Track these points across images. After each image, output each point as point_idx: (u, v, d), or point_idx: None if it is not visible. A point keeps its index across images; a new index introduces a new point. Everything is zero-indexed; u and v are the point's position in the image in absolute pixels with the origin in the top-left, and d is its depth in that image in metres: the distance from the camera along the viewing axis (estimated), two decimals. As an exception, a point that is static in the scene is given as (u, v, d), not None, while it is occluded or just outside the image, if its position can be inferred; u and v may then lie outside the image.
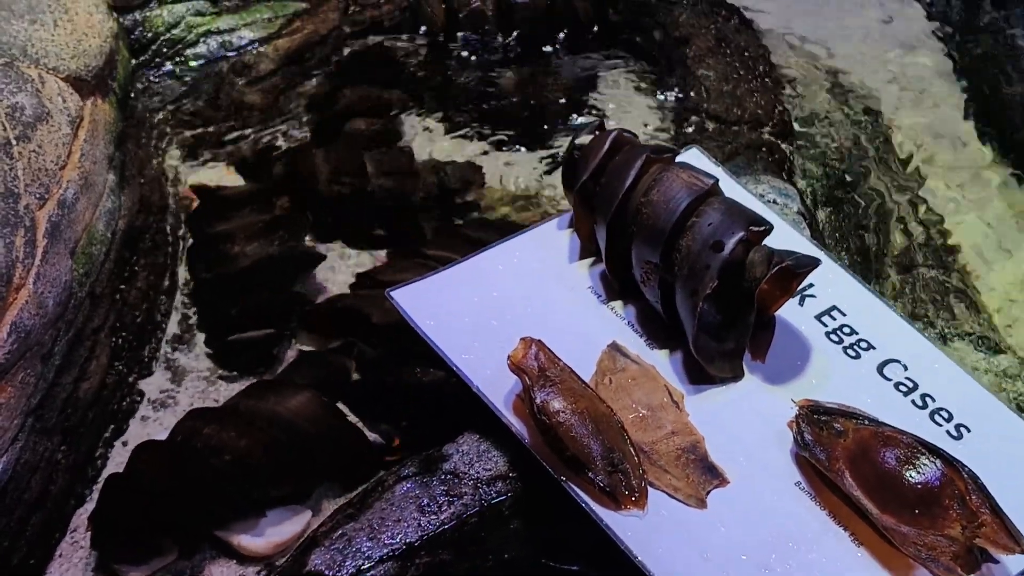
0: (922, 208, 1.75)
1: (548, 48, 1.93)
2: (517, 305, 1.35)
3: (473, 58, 1.89)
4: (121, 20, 1.79)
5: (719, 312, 1.26)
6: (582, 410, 1.19)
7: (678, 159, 1.38)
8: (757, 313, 1.27)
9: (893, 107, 1.90)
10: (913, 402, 1.26)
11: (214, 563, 1.34)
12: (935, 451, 1.16)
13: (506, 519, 1.22)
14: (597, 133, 1.43)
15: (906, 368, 1.29)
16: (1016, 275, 1.69)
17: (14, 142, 1.44)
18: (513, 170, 1.77)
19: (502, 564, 1.23)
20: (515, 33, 1.89)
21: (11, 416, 1.31)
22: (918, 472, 1.14)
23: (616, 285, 1.37)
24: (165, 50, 1.86)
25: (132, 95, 1.77)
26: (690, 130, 1.70)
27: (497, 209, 1.70)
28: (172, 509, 1.33)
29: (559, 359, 1.23)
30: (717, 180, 1.33)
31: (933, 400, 1.26)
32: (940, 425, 1.23)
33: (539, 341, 1.23)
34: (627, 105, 1.82)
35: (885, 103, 1.90)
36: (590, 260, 1.41)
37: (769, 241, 1.26)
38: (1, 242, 1.33)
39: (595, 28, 1.91)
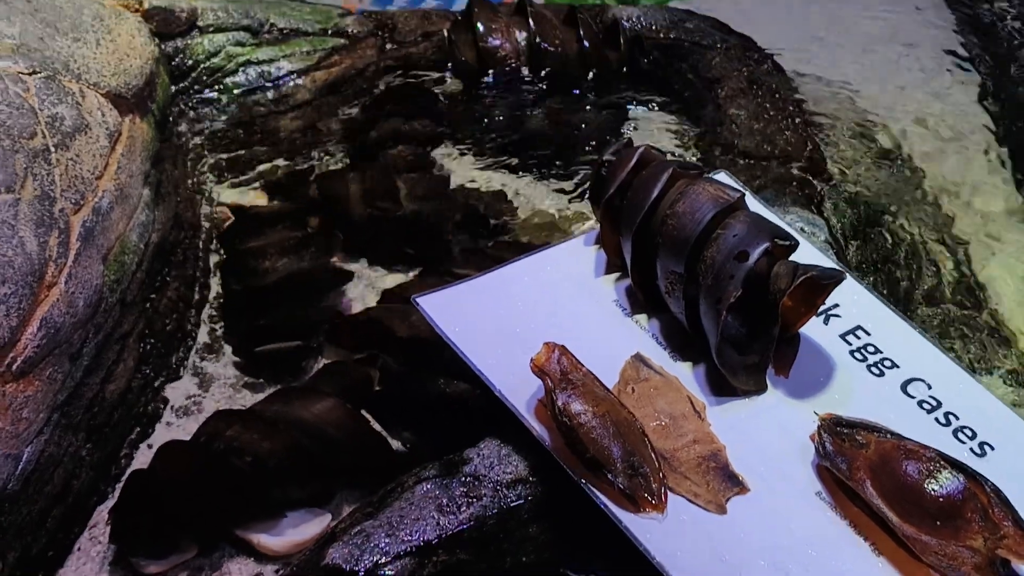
0: (952, 247, 1.74)
1: (577, 89, 1.92)
2: (542, 315, 1.35)
3: (503, 95, 1.89)
4: (163, 46, 1.81)
5: (743, 324, 1.26)
6: (603, 413, 1.18)
7: (707, 177, 1.39)
8: (781, 330, 1.26)
9: (922, 149, 1.89)
10: (936, 420, 1.24)
11: (232, 560, 1.33)
12: (958, 465, 1.14)
13: (525, 522, 1.21)
14: (624, 149, 1.43)
15: (930, 387, 1.27)
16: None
17: (53, 149, 1.46)
18: (540, 198, 1.78)
19: (519, 567, 1.22)
20: (544, 72, 1.88)
21: (37, 409, 1.31)
22: (940, 484, 1.13)
23: (641, 297, 1.36)
24: (205, 77, 1.87)
25: (171, 118, 1.78)
26: (720, 164, 1.70)
27: (524, 234, 1.70)
28: (193, 506, 1.32)
29: (582, 364, 1.23)
30: (744, 194, 1.33)
31: (957, 418, 1.24)
32: (964, 443, 1.22)
33: (562, 346, 1.23)
34: (657, 140, 1.83)
35: (915, 145, 1.89)
36: (616, 275, 1.41)
37: (795, 260, 1.26)
38: (36, 241, 1.34)
39: (625, 70, 1.91)
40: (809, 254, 1.37)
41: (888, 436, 1.18)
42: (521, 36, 1.87)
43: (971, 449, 1.21)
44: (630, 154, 1.40)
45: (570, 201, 1.76)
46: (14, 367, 1.28)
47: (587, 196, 1.49)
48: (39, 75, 1.53)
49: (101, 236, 1.47)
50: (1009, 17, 2.27)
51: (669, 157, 1.43)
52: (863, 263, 1.64)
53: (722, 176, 1.47)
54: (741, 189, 1.38)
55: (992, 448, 1.22)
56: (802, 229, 1.49)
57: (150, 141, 1.68)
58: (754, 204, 1.39)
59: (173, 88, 1.84)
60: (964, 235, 1.77)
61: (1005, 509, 1.10)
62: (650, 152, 1.40)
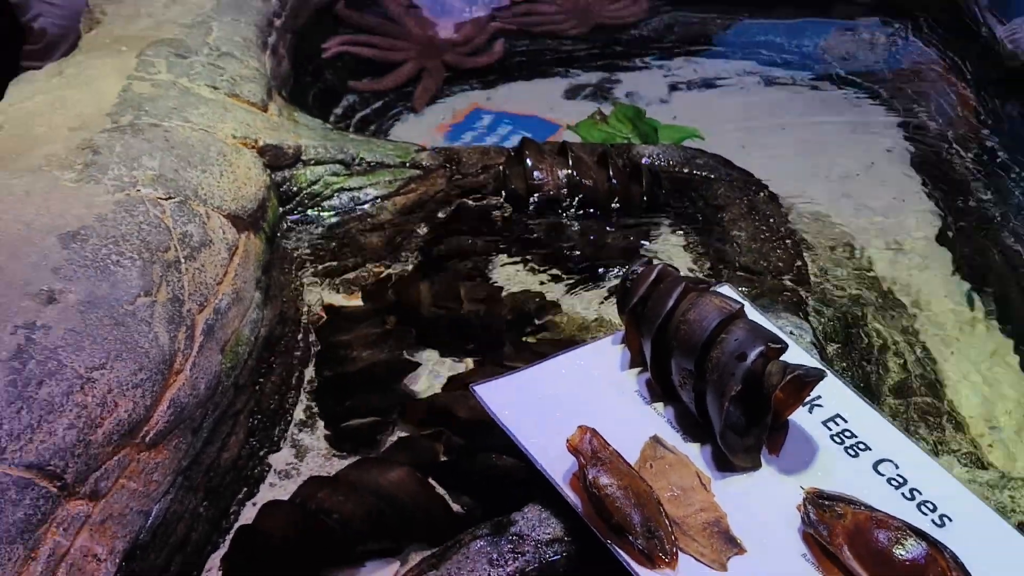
0: (917, 348, 1.73)
1: (606, 215, 1.93)
2: (577, 402, 1.34)
3: (546, 218, 1.90)
4: (273, 176, 1.83)
5: (742, 413, 1.25)
6: (626, 486, 1.18)
7: (713, 289, 1.40)
8: (773, 418, 1.26)
9: (890, 263, 1.90)
10: (903, 495, 1.23)
11: (320, 603, 1.34)
12: (921, 534, 1.14)
13: (559, 574, 1.21)
14: (646, 267, 1.44)
15: (897, 467, 1.26)
16: (997, 406, 1.68)
17: (183, 260, 1.48)
18: (576, 303, 1.78)
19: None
20: (579, 200, 1.90)
21: (165, 473, 1.33)
22: (906, 550, 1.12)
23: (658, 389, 1.36)
24: (306, 201, 1.89)
25: (278, 234, 1.81)
26: (724, 277, 1.70)
27: (563, 331, 1.70)
28: (289, 556, 1.33)
29: (609, 444, 1.23)
30: (743, 305, 1.33)
31: (920, 494, 1.23)
32: (926, 515, 1.20)
33: (593, 429, 1.23)
34: (672, 256, 1.83)
35: (883, 260, 1.90)
36: (638, 369, 1.41)
37: (786, 360, 1.27)
38: (167, 335, 1.37)
39: (645, 198, 1.93)
40: (797, 354, 1.36)
41: (862, 508, 1.18)
42: (562, 173, 1.89)
43: (932, 520, 1.20)
44: (650, 271, 1.41)
45: (600, 305, 1.77)
46: (147, 439, 1.30)
47: (615, 304, 1.49)
48: (174, 200, 1.56)
49: (220, 331, 1.49)
50: (960, 155, 2.28)
51: (683, 273, 1.43)
52: (842, 361, 1.63)
53: (725, 288, 1.47)
54: (741, 300, 1.38)
55: (950, 520, 1.20)
56: (791, 332, 1.49)
57: (261, 253, 1.70)
58: (752, 312, 1.39)
59: (281, 209, 1.85)
60: (925, 338, 1.76)
61: (960, 571, 1.09)
62: (666, 269, 1.41)
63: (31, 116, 1.75)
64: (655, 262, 1.44)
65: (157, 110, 1.76)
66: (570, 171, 1.90)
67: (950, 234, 2.05)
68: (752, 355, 1.24)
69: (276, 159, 1.84)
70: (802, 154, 2.25)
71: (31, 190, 1.52)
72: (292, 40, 2.39)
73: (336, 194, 1.92)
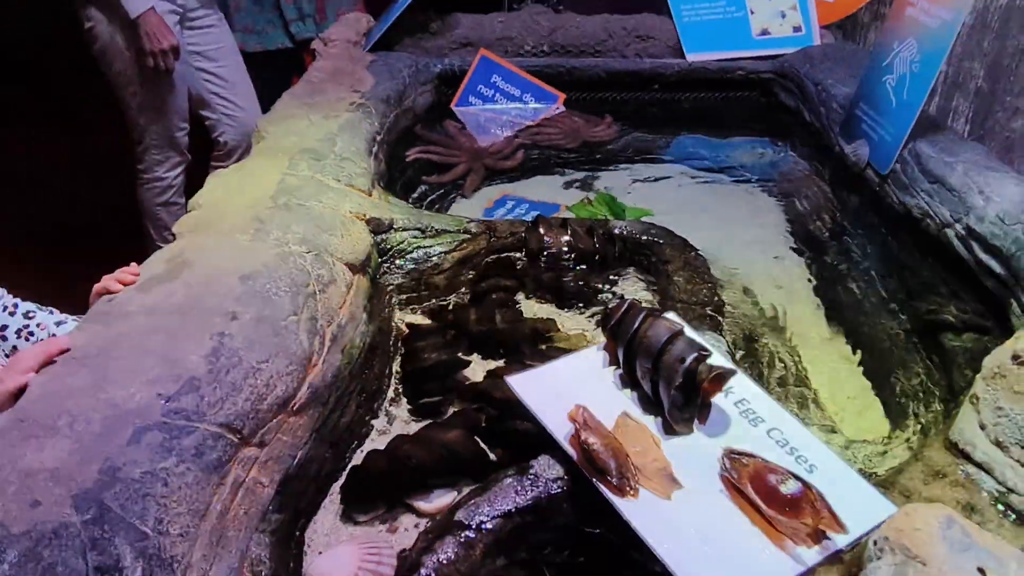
0: (792, 355, 1.74)
1: (593, 266, 1.94)
2: (574, 388, 1.35)
3: (552, 268, 1.91)
4: (375, 237, 1.83)
5: (682, 397, 1.27)
6: (606, 444, 1.19)
7: (663, 316, 1.41)
8: (702, 399, 1.28)
9: (775, 299, 1.90)
10: (786, 452, 1.23)
11: (404, 516, 1.35)
12: (798, 477, 1.14)
13: (561, 500, 1.22)
14: (620, 301, 1.45)
15: (782, 433, 1.26)
16: (843, 393, 1.68)
17: (317, 292, 1.50)
18: (573, 323, 1.79)
19: (556, 528, 1.23)
20: (574, 256, 1.91)
21: (305, 431, 1.34)
22: (788, 487, 1.13)
23: (628, 380, 1.37)
24: (396, 254, 1.89)
25: (377, 275, 1.81)
26: (669, 307, 1.71)
27: (565, 344, 1.71)
28: (383, 485, 1.34)
29: (595, 416, 1.24)
30: (683, 326, 1.35)
31: (797, 451, 1.23)
32: (800, 465, 1.20)
33: (585, 407, 1.25)
34: (635, 293, 1.84)
35: (770, 297, 1.90)
36: (614, 367, 1.42)
37: (711, 363, 1.28)
38: (307, 341, 1.38)
39: (617, 255, 1.93)
40: (717, 358, 1.37)
41: (760, 459, 1.19)
42: (563, 239, 1.89)
43: (804, 468, 1.20)
44: (622, 304, 1.42)
45: (589, 326, 1.78)
46: (294, 408, 1.31)
47: (600, 324, 1.50)
48: (312, 253, 1.58)
49: (340, 339, 1.50)
50: (821, 229, 2.29)
51: (644, 305, 1.44)
52: (745, 362, 1.64)
53: (671, 315, 1.48)
54: (681, 323, 1.39)
55: (816, 468, 1.20)
56: (713, 344, 1.50)
57: (367, 288, 1.70)
58: (688, 331, 1.40)
59: (379, 259, 1.85)
60: (798, 347, 1.76)
61: (823, 502, 1.10)
62: (634, 303, 1.42)
63: (221, 199, 1.78)
64: (626, 298, 1.45)
65: (302, 195, 1.79)
66: (568, 237, 1.91)
67: (813, 280, 2.05)
68: (689, 359, 1.25)
69: (377, 227, 1.85)
70: (718, 227, 2.25)
71: (221, 247, 1.55)
72: (387, 149, 2.42)
73: (415, 250, 1.91)
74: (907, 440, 1.53)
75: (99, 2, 3.07)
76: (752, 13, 3.05)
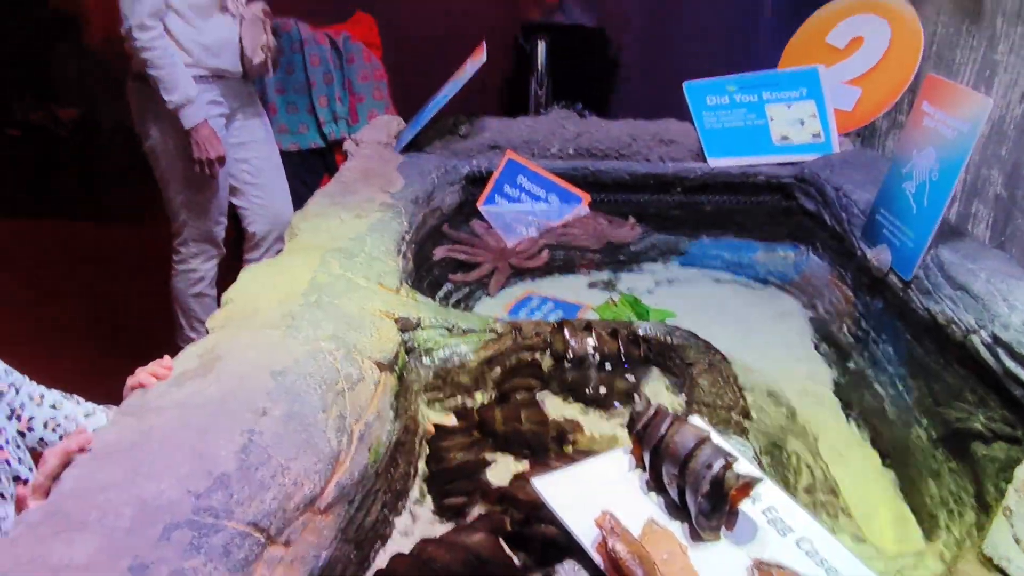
0: (819, 460, 1.71)
1: (617, 367, 1.94)
2: (600, 492, 1.35)
3: (576, 369, 1.92)
4: (402, 335, 1.84)
5: (709, 504, 1.26)
6: (633, 551, 1.18)
7: (689, 420, 1.41)
8: (729, 506, 1.27)
9: (800, 403, 1.88)
10: (815, 562, 1.21)
11: (428, 622, 1.32)
12: (829, 590, 1.13)
13: (588, 609, 1.20)
14: (647, 405, 1.46)
15: (812, 543, 1.25)
16: (875, 499, 1.65)
17: (346, 391, 1.51)
18: (598, 425, 1.78)
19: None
20: (599, 357, 1.91)
21: (330, 530, 1.33)
22: (820, 601, 1.12)
23: (654, 485, 1.37)
24: (423, 352, 1.90)
25: (404, 373, 1.81)
26: (694, 411, 1.70)
27: (589, 445, 1.70)
28: (408, 590, 1.33)
29: (621, 522, 1.23)
30: (710, 432, 1.35)
31: (826, 561, 1.22)
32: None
33: (611, 513, 1.24)
34: (659, 395, 1.84)
35: (795, 401, 1.88)
36: (640, 471, 1.41)
37: (737, 469, 1.27)
38: (335, 439, 1.39)
39: (641, 357, 1.94)
40: (745, 465, 1.36)
41: (789, 572, 1.17)
42: (589, 342, 1.90)
43: (836, 581, 1.19)
44: (649, 408, 1.43)
45: (614, 428, 1.77)
46: (321, 507, 1.31)
47: (625, 427, 1.50)
48: (341, 351, 1.60)
49: (368, 437, 1.50)
50: (844, 333, 2.29)
51: (670, 410, 1.44)
52: (772, 469, 1.62)
53: (696, 419, 1.48)
54: (708, 428, 1.39)
55: (848, 581, 1.19)
56: (740, 449, 1.50)
57: (394, 386, 1.70)
58: (714, 436, 1.40)
59: (406, 357, 1.85)
60: (824, 453, 1.74)
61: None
62: (661, 408, 1.43)
63: (254, 295, 1.82)
64: (651, 402, 1.45)
65: (332, 292, 1.83)
66: (593, 340, 1.93)
67: (838, 384, 2.05)
68: (716, 466, 1.25)
69: (405, 325, 1.87)
70: (741, 329, 2.25)
71: (253, 343, 1.57)
72: (415, 248, 2.46)
73: (442, 348, 1.93)
74: (939, 553, 1.49)
75: (154, 107, 3.23)
76: (772, 120, 3.12)
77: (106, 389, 1.78)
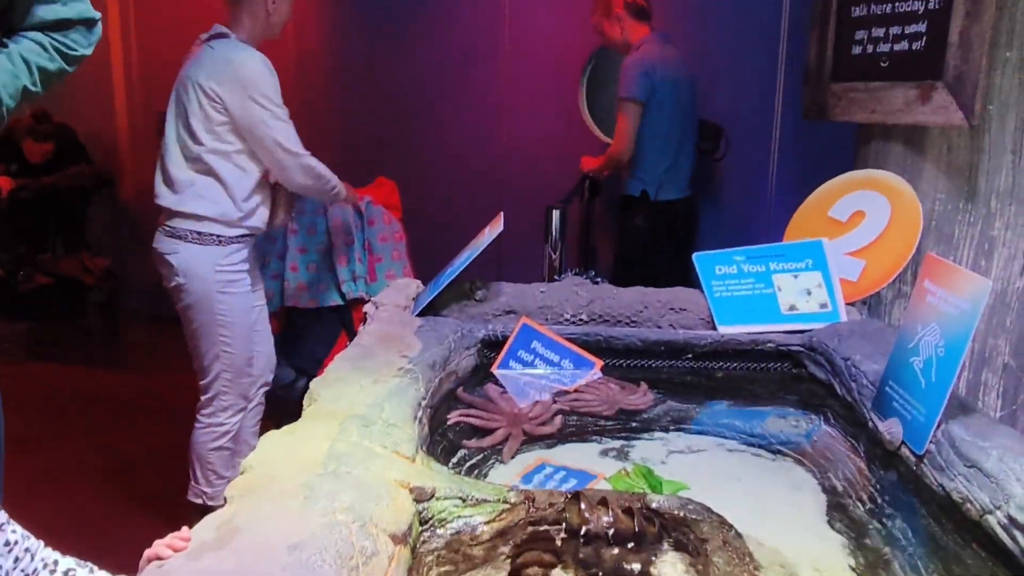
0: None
1: (631, 542, 1.91)
2: None
3: (590, 544, 1.86)
4: (417, 506, 1.85)
5: None
6: None
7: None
8: None
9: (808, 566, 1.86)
10: None
11: None
12: None
13: None
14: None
15: None
16: None
17: (360, 565, 1.52)
18: None
19: None
20: (613, 534, 1.88)
21: None
22: None
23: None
24: (435, 523, 1.89)
25: (417, 545, 1.81)
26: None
27: None
28: None
29: None
30: (725, 620, 1.34)
31: None
32: None
33: None
34: (675, 574, 1.82)
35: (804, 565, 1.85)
36: (655, 659, 1.39)
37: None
38: (348, 618, 1.39)
39: (655, 531, 1.92)
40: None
41: None
42: (604, 518, 1.89)
43: None
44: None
45: None
46: None
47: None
48: (357, 523, 1.60)
49: (380, 614, 1.49)
50: (858, 506, 2.26)
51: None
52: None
53: (712, 603, 1.47)
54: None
55: None
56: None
57: (407, 558, 1.71)
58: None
59: (420, 528, 1.86)
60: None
61: None
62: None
63: (271, 462, 1.85)
64: (666, 583, 1.45)
65: (350, 462, 1.85)
66: (609, 517, 1.91)
67: (855, 563, 2.01)
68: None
69: (420, 496, 1.88)
70: (754, 502, 2.24)
71: (271, 514, 1.60)
72: (431, 413, 2.50)
73: (455, 519, 1.92)
74: None
75: (193, 267, 3.50)
76: (780, 290, 3.22)
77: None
